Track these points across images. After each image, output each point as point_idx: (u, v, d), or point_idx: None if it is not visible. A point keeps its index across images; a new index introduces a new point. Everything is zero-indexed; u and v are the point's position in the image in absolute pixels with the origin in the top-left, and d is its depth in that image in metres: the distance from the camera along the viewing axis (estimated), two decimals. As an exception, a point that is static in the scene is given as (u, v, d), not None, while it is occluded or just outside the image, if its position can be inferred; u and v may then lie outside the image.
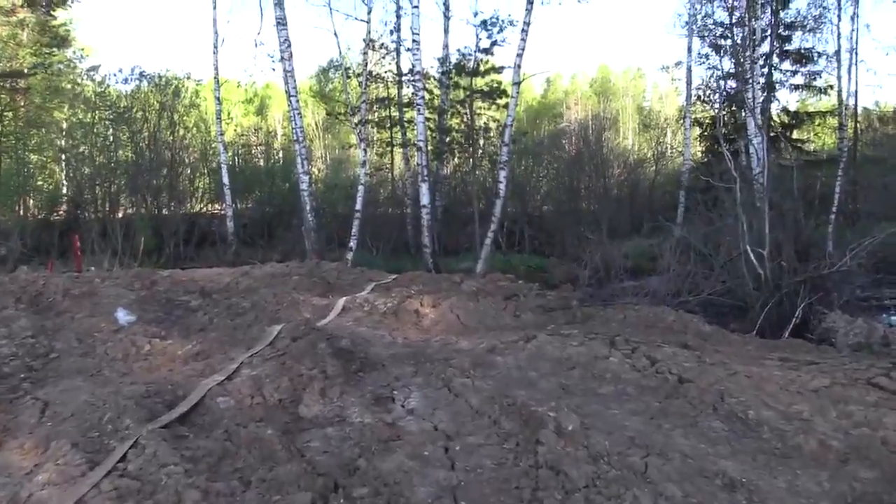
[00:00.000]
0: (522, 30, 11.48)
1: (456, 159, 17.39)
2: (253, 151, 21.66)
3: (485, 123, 15.59)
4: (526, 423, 3.58)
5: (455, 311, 6.95)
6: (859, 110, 22.25)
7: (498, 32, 13.92)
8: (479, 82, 14.97)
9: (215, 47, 15.88)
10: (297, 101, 12.73)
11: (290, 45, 12.43)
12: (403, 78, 16.84)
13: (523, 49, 11.50)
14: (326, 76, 33.57)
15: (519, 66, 11.60)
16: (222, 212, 17.58)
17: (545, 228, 18.14)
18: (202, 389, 4.24)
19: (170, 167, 17.86)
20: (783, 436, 3.83)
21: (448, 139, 15.99)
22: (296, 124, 12.77)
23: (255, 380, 4.40)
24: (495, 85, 14.87)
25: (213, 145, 18.19)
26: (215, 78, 16.14)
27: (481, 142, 15.39)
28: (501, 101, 14.76)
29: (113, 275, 10.08)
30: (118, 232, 13.86)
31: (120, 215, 17.38)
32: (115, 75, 17.94)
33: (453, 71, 15.27)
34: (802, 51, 21.21)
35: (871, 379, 4.65)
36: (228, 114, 18.86)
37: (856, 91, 18.62)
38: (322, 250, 13.18)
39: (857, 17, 20.98)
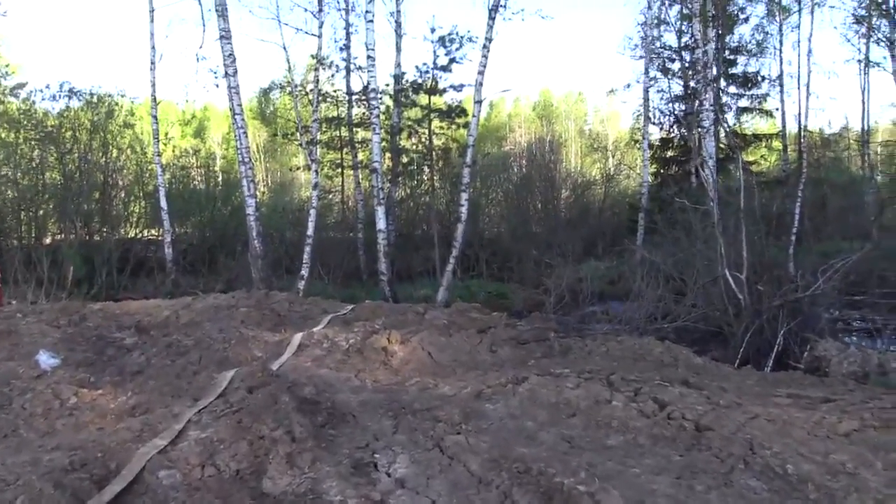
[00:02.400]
0: (484, 45, 11.02)
1: (414, 181, 16.78)
2: (192, 174, 20.54)
3: (444, 144, 15.05)
4: (549, 499, 2.93)
5: (426, 347, 6.29)
6: (804, 134, 22.68)
7: (457, 49, 13.50)
8: (438, 101, 14.47)
9: (152, 63, 14.92)
10: (243, 119, 11.91)
11: (234, 60, 11.64)
12: (354, 97, 16.20)
13: (485, 66, 11.03)
14: (268, 98, 32.61)
15: (480, 84, 11.11)
16: (160, 237, 16.48)
17: (500, 252, 17.67)
18: (140, 460, 3.46)
19: (102, 190, 16.66)
20: (833, 496, 3.30)
21: (406, 160, 15.38)
22: (241, 144, 11.93)
23: (206, 445, 3.63)
24: (455, 104, 14.39)
25: (149, 167, 17.07)
26: (153, 96, 15.16)
27: (440, 163, 14.84)
28: (461, 121, 14.26)
29: (37, 308, 9.09)
30: (44, 260, 12.75)
31: (47, 242, 16.13)
32: (41, 91, 16.65)
33: (409, 89, 14.70)
34: (748, 74, 21.60)
35: (904, 420, 4.21)
36: (166, 134, 17.78)
37: (805, 113, 18.79)
38: (270, 279, 12.32)
39: (800, 42, 21.55)
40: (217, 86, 13.58)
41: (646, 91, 19.01)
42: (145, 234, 18.74)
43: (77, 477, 3.36)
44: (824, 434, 4.10)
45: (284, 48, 12.77)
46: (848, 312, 11.12)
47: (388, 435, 3.95)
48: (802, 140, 19.58)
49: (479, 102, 11.23)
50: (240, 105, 11.74)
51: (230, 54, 11.62)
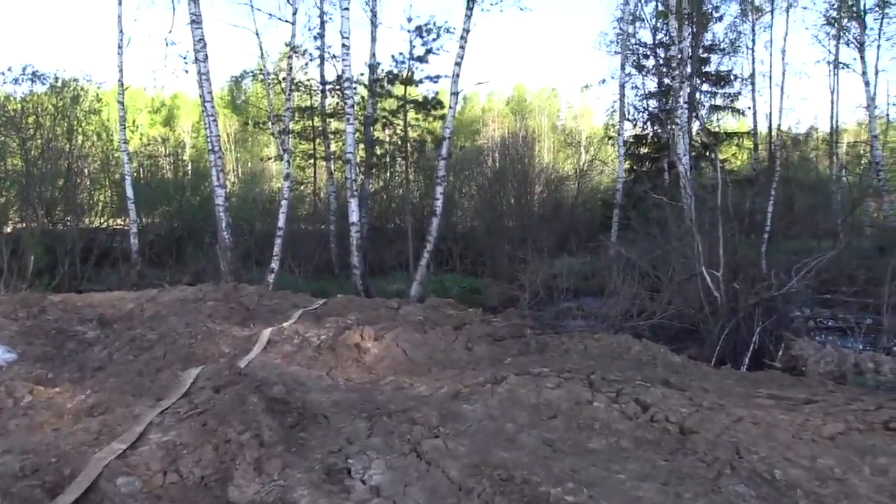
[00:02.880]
0: (461, 36, 10.81)
1: (388, 173, 16.53)
2: (160, 163, 20.02)
3: (419, 135, 14.80)
4: (535, 510, 2.78)
5: (401, 344, 6.10)
6: (778, 132, 22.92)
7: (434, 40, 13.25)
8: (413, 92, 14.23)
9: (120, 48, 14.44)
10: (213, 106, 11.54)
11: (205, 46, 11.27)
12: (328, 86, 15.86)
13: (462, 57, 10.83)
14: (240, 87, 31.98)
15: (458, 75, 10.91)
16: (126, 227, 16.01)
17: (474, 247, 17.53)
18: (96, 466, 3.22)
19: (66, 178, 16.11)
20: (823, 502, 3.21)
21: (381, 152, 15.11)
22: (210, 132, 11.57)
23: (168, 449, 3.41)
24: (431, 95, 14.16)
25: (115, 155, 16.55)
26: (120, 81, 14.67)
27: (415, 155, 14.60)
28: (437, 112, 14.03)
29: (-6, 300, 8.74)
30: (4, 250, 12.28)
31: (8, 230, 15.55)
32: (3, 74, 16.01)
33: (385, 79, 14.41)
34: (722, 73, 21.72)
35: (889, 423, 4.14)
36: (133, 122, 17.26)
37: (776, 112, 18.93)
38: (239, 271, 12.01)
39: (772, 42, 21.78)
40: (186, 72, 13.21)
41: (622, 87, 18.98)
42: (111, 224, 18.23)
43: (28, 484, 3.13)
44: (809, 437, 4.01)
45: (257, 34, 12.45)
46: (819, 311, 11.18)
47: (362, 438, 3.77)
48: (777, 139, 19.70)
49: (455, 94, 11.04)
50: (210, 92, 11.38)
51: (200, 39, 11.26)
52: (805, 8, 27.55)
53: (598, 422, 4.19)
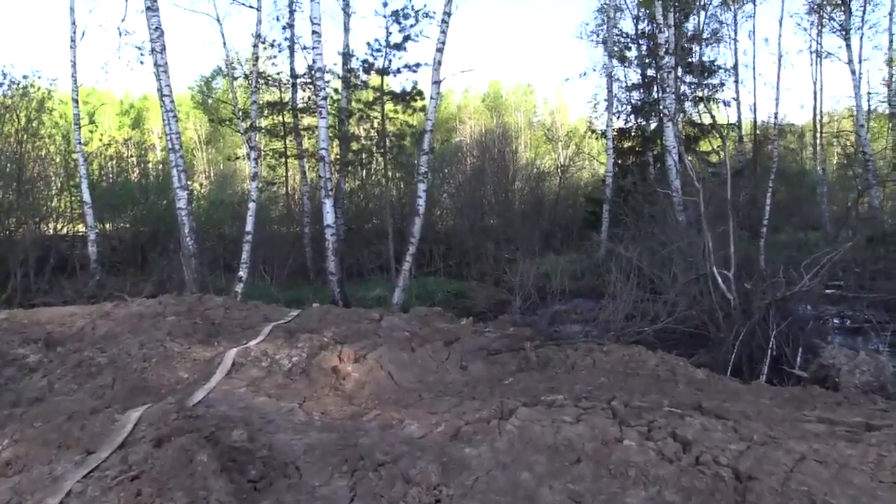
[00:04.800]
0: (443, 20, 9.98)
1: (365, 171, 15.63)
2: (122, 164, 18.91)
3: (398, 129, 13.91)
4: None
5: (385, 366, 5.28)
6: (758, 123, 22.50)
7: (412, 26, 12.36)
8: (391, 83, 13.35)
9: (73, 41, 13.42)
10: (172, 101, 10.58)
11: (162, 35, 10.30)
12: (299, 80, 14.93)
13: (444, 43, 9.99)
14: (210, 86, 30.84)
15: (439, 63, 10.06)
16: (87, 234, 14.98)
17: (455, 247, 16.74)
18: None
19: (18, 181, 15.01)
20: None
21: (357, 148, 14.20)
22: (170, 129, 10.61)
23: (86, 535, 2.58)
24: (411, 85, 13.28)
25: (73, 156, 15.49)
26: (73, 77, 13.64)
27: (394, 151, 13.71)
28: (417, 104, 13.16)
29: (-70, 318, 7.84)
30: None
31: (-46, 240, 14.47)
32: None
33: (359, 69, 13.50)
34: (706, 63, 21.21)
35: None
36: (91, 119, 16.19)
37: (777, 101, 18.41)
38: (205, 280, 11.08)
39: (755, 32, 21.24)
40: (142, 63, 12.23)
41: (610, 77, 18.31)
42: (71, 231, 17.13)
43: None
44: (889, 479, 3.29)
45: (218, 20, 11.47)
46: (824, 309, 10.59)
47: (342, 502, 2.96)
48: (773, 130, 19.12)
49: (437, 83, 10.19)
50: (168, 86, 10.42)
51: (157, 28, 10.30)
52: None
53: (632, 467, 3.42)
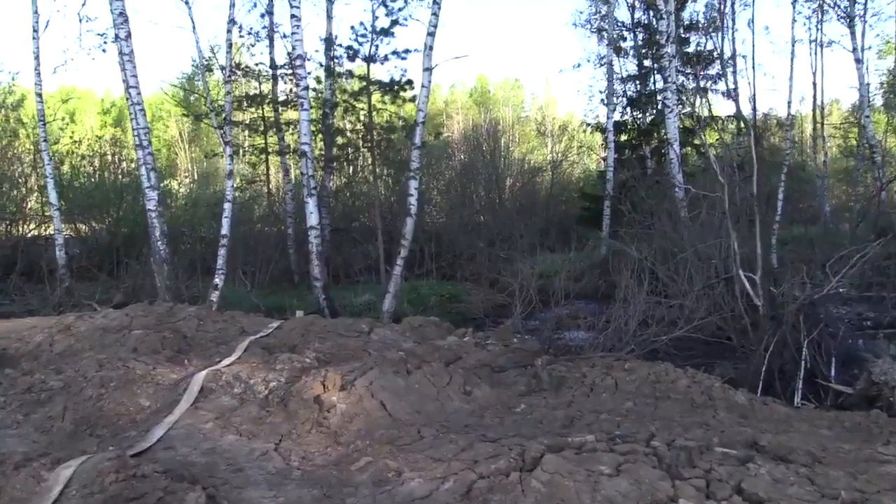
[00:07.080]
0: (434, 1, 9.18)
1: (351, 167, 14.79)
2: (97, 163, 17.91)
3: (386, 122, 13.06)
4: None
5: (378, 394, 4.50)
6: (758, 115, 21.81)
7: (400, 9, 11.53)
8: (378, 71, 12.48)
9: (35, 31, 12.50)
10: (139, 93, 9.69)
11: (126, 21, 9.42)
12: (280, 71, 14.07)
13: (435, 26, 9.18)
14: (192, 84, 29.81)
15: (431, 47, 9.25)
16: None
17: (447, 246, 15.95)
18: None
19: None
20: None
21: (342, 142, 13.35)
22: (137, 124, 9.72)
23: None
24: (400, 74, 12.41)
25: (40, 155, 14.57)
26: (37, 70, 12.69)
27: (382, 145, 12.86)
28: (406, 94, 12.32)
29: None
30: None
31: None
32: None
33: (344, 56, 12.65)
34: (704, 53, 20.53)
35: None
36: (61, 116, 15.28)
37: (795, 92, 17.68)
38: (180, 287, 10.23)
39: (754, 21, 20.61)
40: (104, 51, 11.37)
41: (609, 66, 17.55)
42: (44, 232, 16.19)
43: None
44: None
45: (187, 3, 10.60)
46: (844, 311, 9.92)
47: None
48: (788, 122, 18.43)
49: (429, 70, 9.36)
50: (135, 76, 9.55)
51: (121, 13, 9.42)
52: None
53: (696, 540, 2.67)
